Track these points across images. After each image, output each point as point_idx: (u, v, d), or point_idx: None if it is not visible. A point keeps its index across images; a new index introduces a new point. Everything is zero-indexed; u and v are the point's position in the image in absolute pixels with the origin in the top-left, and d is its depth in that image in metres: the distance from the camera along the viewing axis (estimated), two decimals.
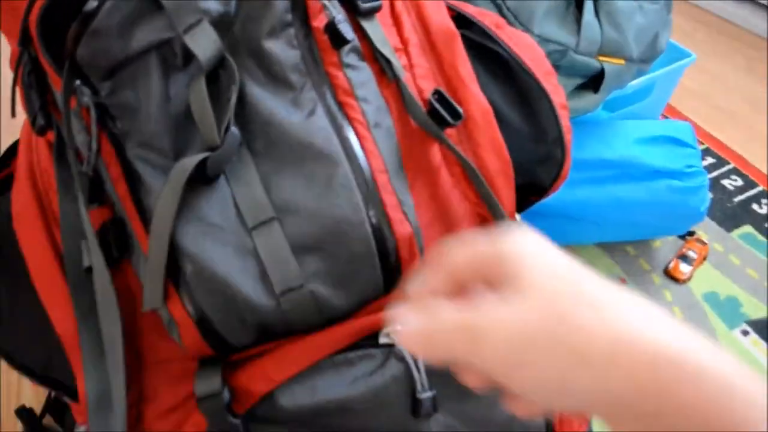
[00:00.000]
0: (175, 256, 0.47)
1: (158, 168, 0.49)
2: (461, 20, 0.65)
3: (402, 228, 0.49)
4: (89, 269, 0.51)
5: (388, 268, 0.50)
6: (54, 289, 0.53)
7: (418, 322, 0.31)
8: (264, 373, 0.50)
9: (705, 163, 1.32)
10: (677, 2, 1.85)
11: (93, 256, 0.51)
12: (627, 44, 0.76)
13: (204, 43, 0.46)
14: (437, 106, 0.53)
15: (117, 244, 0.52)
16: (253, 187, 0.48)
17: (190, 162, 0.46)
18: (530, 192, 0.66)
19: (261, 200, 0.48)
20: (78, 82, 0.50)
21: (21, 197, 0.55)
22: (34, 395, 0.86)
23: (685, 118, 1.45)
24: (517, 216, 0.64)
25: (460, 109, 0.53)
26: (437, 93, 0.54)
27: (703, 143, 1.38)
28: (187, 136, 0.49)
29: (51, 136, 0.54)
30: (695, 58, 1.08)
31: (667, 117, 1.43)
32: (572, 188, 0.88)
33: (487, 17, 0.65)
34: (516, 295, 0.28)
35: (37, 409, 0.74)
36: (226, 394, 0.49)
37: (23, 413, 0.74)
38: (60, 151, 0.54)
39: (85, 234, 0.51)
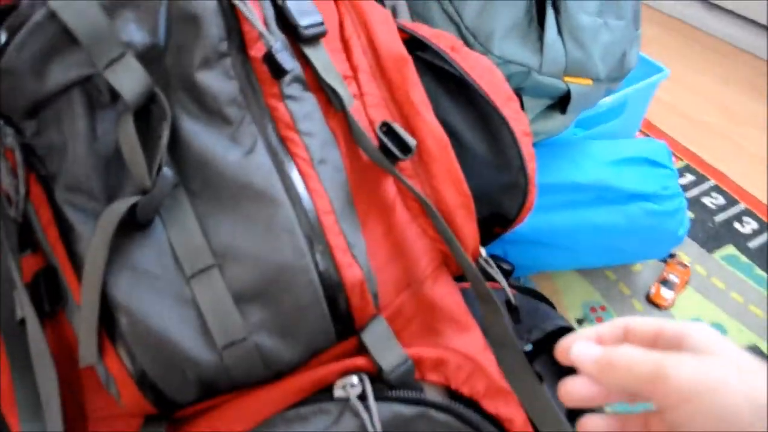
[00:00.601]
0: (109, 308, 0.44)
1: (88, 212, 0.45)
2: (417, 43, 0.62)
3: (351, 272, 0.46)
4: (23, 321, 0.48)
5: (339, 315, 0.46)
6: None
7: (600, 349, 0.35)
8: (211, 431, 0.46)
9: (684, 180, 1.29)
10: (652, 11, 1.85)
11: (25, 309, 0.47)
12: (593, 64, 0.73)
13: (128, 79, 0.43)
14: (385, 140, 0.50)
15: (50, 294, 0.49)
16: (190, 232, 0.45)
17: (119, 207, 0.43)
18: (495, 223, 0.63)
19: (199, 245, 0.45)
20: (0, 121, 0.47)
21: None
22: None
23: (663, 134, 1.43)
24: (482, 250, 0.60)
25: (412, 142, 0.50)
26: (385, 125, 0.50)
27: (682, 159, 1.35)
28: (118, 177, 0.46)
29: None
30: (668, 73, 1.06)
31: (647, 134, 1.41)
32: (544, 213, 0.85)
33: (442, 39, 0.62)
34: (704, 356, 0.32)
35: None
36: None
37: None
38: None
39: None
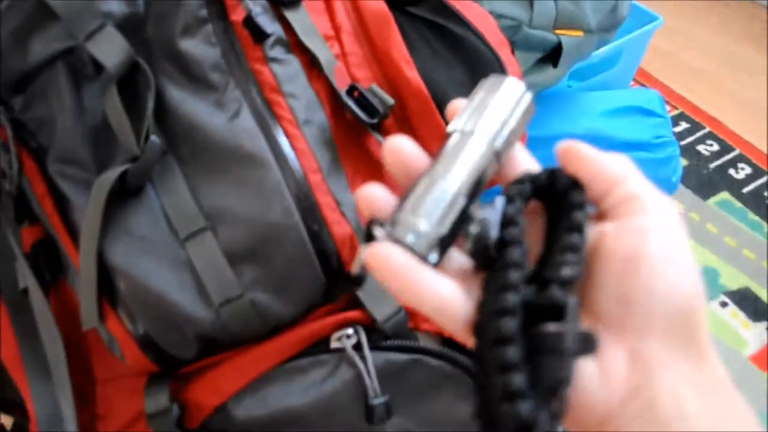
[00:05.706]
0: (108, 274, 0.45)
1: (81, 183, 0.47)
2: None
3: (340, 229, 0.47)
4: (26, 291, 0.49)
5: (331, 271, 0.48)
6: None
7: None
8: (214, 385, 0.48)
9: (679, 128, 1.29)
10: None
11: (27, 278, 0.49)
12: (584, 15, 0.72)
13: (110, 50, 0.44)
14: (356, 103, 0.50)
15: (50, 263, 0.50)
16: (181, 196, 0.46)
17: (110, 176, 0.44)
18: None
19: (191, 210, 0.46)
20: None
21: None
22: None
23: (658, 83, 1.42)
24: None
25: (388, 102, 0.50)
26: (353, 88, 0.51)
27: (677, 108, 1.35)
28: (108, 147, 0.47)
29: None
30: (662, 21, 1.05)
31: (642, 84, 1.40)
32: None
33: None
34: None
35: None
36: (175, 410, 0.47)
37: None
38: None
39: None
